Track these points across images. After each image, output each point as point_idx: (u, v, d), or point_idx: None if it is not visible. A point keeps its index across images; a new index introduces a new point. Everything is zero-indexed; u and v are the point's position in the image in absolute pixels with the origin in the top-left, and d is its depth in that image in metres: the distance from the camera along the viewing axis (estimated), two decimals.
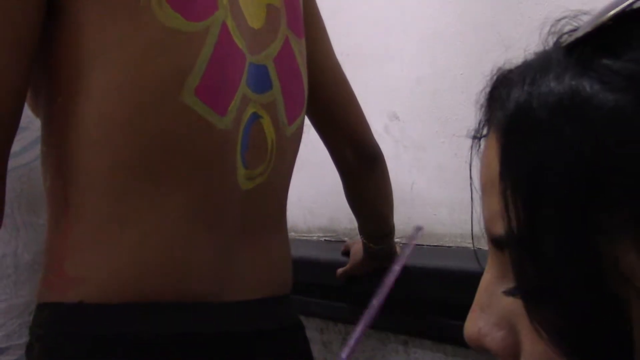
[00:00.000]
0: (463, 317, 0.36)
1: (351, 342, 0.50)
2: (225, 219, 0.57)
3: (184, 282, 0.54)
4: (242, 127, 0.57)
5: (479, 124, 0.37)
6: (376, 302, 0.52)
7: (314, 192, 1.39)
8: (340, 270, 1.06)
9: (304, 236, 1.44)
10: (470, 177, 0.38)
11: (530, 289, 0.30)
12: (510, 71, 0.35)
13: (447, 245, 1.17)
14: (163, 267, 0.53)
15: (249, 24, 0.60)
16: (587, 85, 0.29)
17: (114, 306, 0.52)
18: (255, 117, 0.59)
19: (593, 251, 0.28)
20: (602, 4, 0.31)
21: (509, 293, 0.32)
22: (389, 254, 0.94)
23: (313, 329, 1.21)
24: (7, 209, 0.53)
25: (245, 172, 0.58)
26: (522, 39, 1.16)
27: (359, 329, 0.50)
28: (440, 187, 1.20)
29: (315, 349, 1.10)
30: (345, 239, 1.31)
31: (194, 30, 0.53)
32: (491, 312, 0.33)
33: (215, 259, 0.56)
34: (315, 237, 1.43)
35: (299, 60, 0.66)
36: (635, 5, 0.29)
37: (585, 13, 0.35)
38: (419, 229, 0.58)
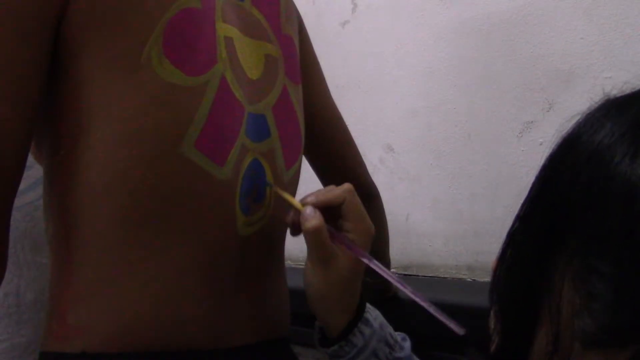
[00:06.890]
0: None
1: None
2: (224, 265, 0.57)
3: (182, 331, 0.54)
4: (241, 175, 0.58)
5: None
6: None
7: None
8: None
9: (300, 265, 1.44)
10: None
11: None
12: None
13: (442, 276, 1.18)
14: (162, 316, 0.53)
15: (248, 75, 0.61)
16: None
17: (114, 356, 0.52)
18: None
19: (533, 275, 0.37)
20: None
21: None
22: (386, 288, 0.94)
23: (310, 358, 1.21)
24: (10, 248, 0.52)
25: (244, 219, 0.58)
26: (514, 75, 1.18)
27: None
28: (435, 218, 1.21)
29: None
30: None
31: (194, 84, 0.54)
32: None
33: (213, 306, 0.56)
34: None
35: (296, 107, 0.67)
36: None
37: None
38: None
